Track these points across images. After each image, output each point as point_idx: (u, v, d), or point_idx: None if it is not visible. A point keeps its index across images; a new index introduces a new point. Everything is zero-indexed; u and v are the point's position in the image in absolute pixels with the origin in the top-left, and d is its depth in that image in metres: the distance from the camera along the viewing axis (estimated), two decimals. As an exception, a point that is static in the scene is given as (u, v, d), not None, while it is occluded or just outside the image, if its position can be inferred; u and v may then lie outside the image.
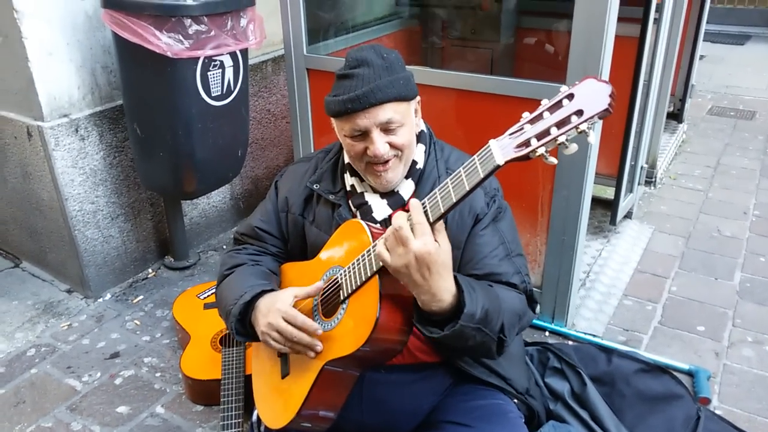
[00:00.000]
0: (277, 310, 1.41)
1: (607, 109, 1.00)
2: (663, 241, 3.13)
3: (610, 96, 1.00)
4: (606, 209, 3.28)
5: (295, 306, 1.44)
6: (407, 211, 1.49)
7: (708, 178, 3.83)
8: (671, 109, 4.29)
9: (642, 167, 3.27)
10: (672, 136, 4.17)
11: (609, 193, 3.27)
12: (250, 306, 1.48)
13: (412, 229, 1.17)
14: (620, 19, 2.02)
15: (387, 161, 1.44)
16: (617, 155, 3.01)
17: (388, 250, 1.20)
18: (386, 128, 1.41)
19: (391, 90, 1.39)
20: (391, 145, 1.42)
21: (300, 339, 1.39)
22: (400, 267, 1.18)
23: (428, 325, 1.28)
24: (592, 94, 1.01)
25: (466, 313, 1.23)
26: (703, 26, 4.17)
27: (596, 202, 3.21)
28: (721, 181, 3.78)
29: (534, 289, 1.55)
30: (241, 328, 1.52)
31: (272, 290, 1.50)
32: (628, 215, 3.31)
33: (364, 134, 1.41)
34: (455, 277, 1.25)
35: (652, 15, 2.72)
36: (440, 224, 1.20)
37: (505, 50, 3.48)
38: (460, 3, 3.54)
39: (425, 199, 1.20)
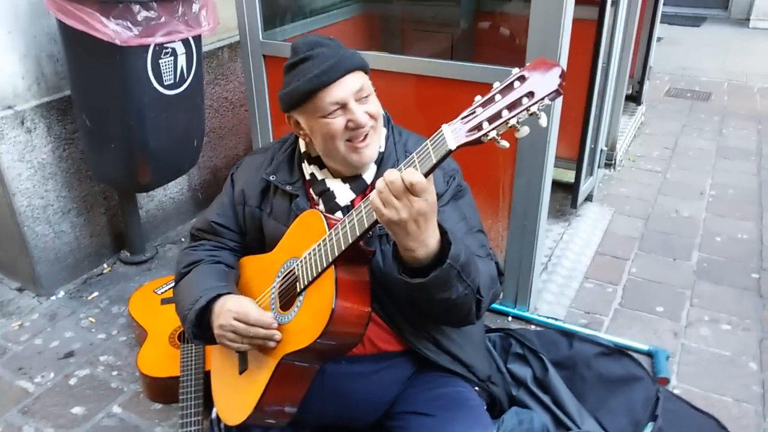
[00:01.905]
0: (227, 310, 1.38)
1: (557, 90, 1.00)
2: (623, 223, 3.17)
3: (560, 77, 1.00)
4: (567, 192, 3.30)
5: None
6: (367, 194, 1.47)
7: (666, 159, 3.89)
8: (630, 91, 4.34)
9: (602, 150, 3.29)
10: (631, 118, 4.22)
11: (569, 176, 3.29)
12: (206, 310, 1.45)
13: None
14: (578, 2, 2.02)
15: (366, 135, 1.42)
16: (577, 138, 3.02)
17: (382, 202, 1.15)
18: (359, 97, 1.40)
19: (355, 59, 1.41)
20: (368, 115, 1.41)
21: (255, 333, 1.36)
22: (398, 220, 1.14)
23: (411, 276, 1.25)
24: (542, 76, 1.01)
25: (452, 252, 1.21)
26: (660, 8, 4.22)
27: (557, 185, 3.22)
28: (679, 162, 3.84)
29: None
30: (200, 332, 1.48)
31: (228, 293, 1.47)
32: (588, 198, 3.35)
33: (341, 108, 1.39)
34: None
35: (610, -2, 2.73)
36: (430, 176, 1.16)
37: (466, 35, 3.46)
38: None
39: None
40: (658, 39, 4.78)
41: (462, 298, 1.29)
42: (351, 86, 1.38)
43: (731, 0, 7.51)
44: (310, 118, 1.42)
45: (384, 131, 1.54)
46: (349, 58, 1.40)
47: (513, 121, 1.02)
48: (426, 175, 1.13)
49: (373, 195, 1.17)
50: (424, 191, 1.13)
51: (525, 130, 1.04)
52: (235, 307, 1.37)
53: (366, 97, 1.42)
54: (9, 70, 2.39)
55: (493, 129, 1.04)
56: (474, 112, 1.07)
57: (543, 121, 1.02)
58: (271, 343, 1.37)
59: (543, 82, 1.01)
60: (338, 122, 1.40)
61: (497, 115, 1.03)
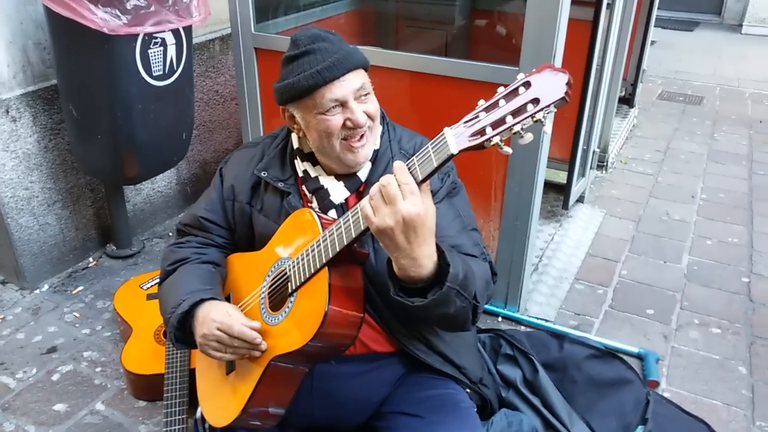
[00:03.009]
0: (211, 320, 1.34)
1: (563, 98, 0.97)
2: (614, 225, 3.16)
3: (567, 84, 0.97)
4: (558, 193, 3.29)
5: (240, 300, 1.37)
6: (361, 192, 1.44)
7: (658, 162, 3.89)
8: (623, 93, 4.34)
9: (594, 151, 3.29)
10: (623, 120, 4.22)
11: (561, 177, 3.28)
12: (189, 315, 1.41)
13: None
14: (574, 2, 2.00)
15: (362, 135, 1.39)
16: (570, 140, 3.01)
17: (372, 208, 1.13)
18: (359, 96, 1.37)
19: (358, 56, 1.38)
20: (366, 114, 1.38)
21: (239, 346, 1.33)
22: (384, 228, 1.11)
23: (407, 296, 1.21)
24: (548, 83, 0.99)
25: (451, 273, 1.17)
26: (655, 12, 4.22)
27: (549, 186, 3.21)
28: (671, 166, 3.84)
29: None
30: (182, 336, 1.44)
31: (212, 298, 1.43)
32: (580, 199, 3.34)
33: (341, 105, 1.36)
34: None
35: (606, -1, 2.72)
36: (425, 186, 1.13)
37: (460, 32, 3.44)
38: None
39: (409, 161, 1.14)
40: (652, 42, 4.79)
41: (459, 311, 1.26)
42: (352, 84, 1.35)
43: (724, 5, 7.54)
44: (307, 113, 1.39)
45: (379, 128, 1.52)
46: (352, 55, 1.37)
47: (517, 128, 1.00)
48: (425, 179, 1.11)
49: (363, 201, 1.15)
50: (412, 194, 1.09)
51: (529, 137, 1.02)
52: (219, 317, 1.33)
53: (366, 95, 1.39)
54: (-6, 58, 2.34)
55: (496, 135, 1.01)
56: (477, 117, 1.04)
57: (548, 128, 1.00)
58: (256, 353, 1.34)
59: (549, 89, 0.98)
60: (336, 120, 1.37)
61: (501, 120, 1.01)
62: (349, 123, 1.37)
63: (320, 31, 1.39)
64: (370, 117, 1.40)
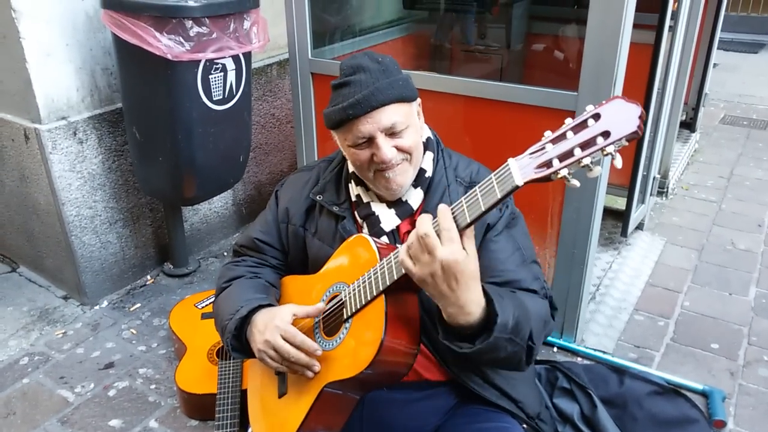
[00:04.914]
0: (275, 327, 1.34)
1: (635, 132, 0.93)
2: (675, 254, 3.04)
3: (640, 118, 0.93)
4: (617, 220, 3.20)
5: (294, 324, 1.37)
6: (416, 219, 1.43)
7: (721, 189, 3.74)
8: (684, 117, 4.21)
9: (654, 177, 3.19)
10: (684, 145, 4.09)
11: (620, 203, 3.19)
12: (246, 321, 1.42)
13: (438, 235, 1.10)
14: (635, 26, 1.96)
15: (396, 165, 1.38)
16: (629, 165, 2.93)
17: (411, 257, 1.12)
18: (391, 132, 1.36)
19: (392, 91, 1.34)
20: (398, 149, 1.37)
21: (297, 359, 1.32)
22: (425, 276, 1.10)
23: (455, 341, 1.19)
24: (619, 115, 0.95)
25: (499, 323, 1.15)
26: (718, 34, 4.10)
27: (607, 212, 3.12)
28: (735, 193, 3.69)
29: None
30: (238, 344, 1.46)
31: (270, 305, 1.44)
32: (639, 226, 3.23)
33: (368, 141, 1.36)
34: (482, 287, 1.17)
35: (668, 22, 2.65)
36: (470, 230, 1.12)
37: (516, 56, 3.42)
38: (469, 8, 3.47)
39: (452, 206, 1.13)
40: (714, 65, 4.64)
41: (511, 355, 1.24)
42: (381, 121, 1.33)
43: (791, 26, 7.28)
44: (342, 142, 1.42)
45: (431, 155, 1.50)
46: (385, 90, 1.33)
47: (586, 161, 0.97)
48: (487, 210, 1.08)
49: (402, 250, 1.14)
50: (451, 241, 1.08)
51: (597, 170, 0.98)
52: (283, 325, 1.34)
53: (399, 131, 1.36)
54: (65, 82, 2.44)
55: (564, 167, 0.98)
56: (543, 148, 1.01)
57: (618, 161, 0.96)
58: (309, 373, 1.34)
59: (620, 121, 0.95)
60: (364, 154, 1.37)
61: (569, 153, 0.98)
62: (375, 158, 1.36)
63: (364, 60, 1.36)
64: (403, 151, 1.37)
